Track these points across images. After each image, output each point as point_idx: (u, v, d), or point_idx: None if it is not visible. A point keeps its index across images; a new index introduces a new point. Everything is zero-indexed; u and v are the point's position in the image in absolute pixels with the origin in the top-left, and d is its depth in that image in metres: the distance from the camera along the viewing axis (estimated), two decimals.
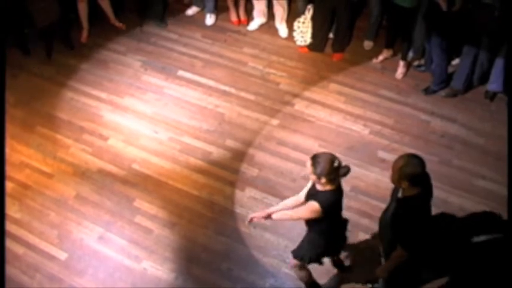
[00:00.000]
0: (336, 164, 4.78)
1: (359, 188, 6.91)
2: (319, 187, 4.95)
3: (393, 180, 4.61)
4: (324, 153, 4.94)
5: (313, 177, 4.86)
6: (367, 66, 8.51)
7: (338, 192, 5.00)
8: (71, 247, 6.63)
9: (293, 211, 5.23)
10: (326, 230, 5.18)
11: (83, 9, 9.17)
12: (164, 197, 7.03)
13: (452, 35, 7.51)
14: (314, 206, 4.87)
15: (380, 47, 8.65)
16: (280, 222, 6.30)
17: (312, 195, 5.00)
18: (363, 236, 6.46)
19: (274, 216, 5.26)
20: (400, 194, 4.71)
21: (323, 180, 4.80)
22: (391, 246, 4.91)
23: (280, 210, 5.30)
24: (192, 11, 9.72)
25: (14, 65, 9.09)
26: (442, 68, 7.79)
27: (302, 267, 5.65)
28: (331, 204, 4.91)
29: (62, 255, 6.57)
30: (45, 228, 6.80)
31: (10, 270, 6.50)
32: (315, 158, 4.82)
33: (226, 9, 9.44)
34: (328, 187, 4.89)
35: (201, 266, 6.37)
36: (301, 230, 5.93)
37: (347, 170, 4.89)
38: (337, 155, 6.99)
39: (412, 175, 4.39)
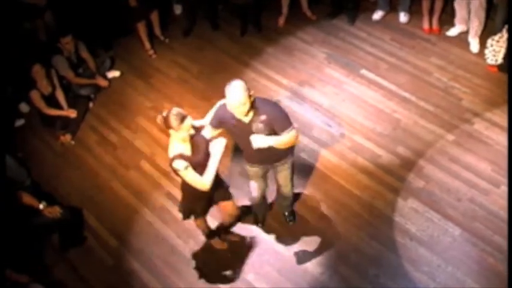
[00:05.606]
0: None
1: None
2: None
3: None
4: None
5: None
6: None
7: None
8: None
9: None
10: None
11: None
12: (326, 190, 7.06)
13: None
14: None
15: None
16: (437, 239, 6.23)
17: None
18: None
19: None
20: None
21: None
22: None
23: None
24: (377, 15, 9.53)
25: (202, 38, 9.53)
26: None
27: None
28: None
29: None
30: None
31: (167, 231, 6.92)
32: None
33: (419, 15, 9.25)
34: None
35: (349, 266, 6.36)
36: (458, 253, 5.77)
37: None
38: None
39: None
